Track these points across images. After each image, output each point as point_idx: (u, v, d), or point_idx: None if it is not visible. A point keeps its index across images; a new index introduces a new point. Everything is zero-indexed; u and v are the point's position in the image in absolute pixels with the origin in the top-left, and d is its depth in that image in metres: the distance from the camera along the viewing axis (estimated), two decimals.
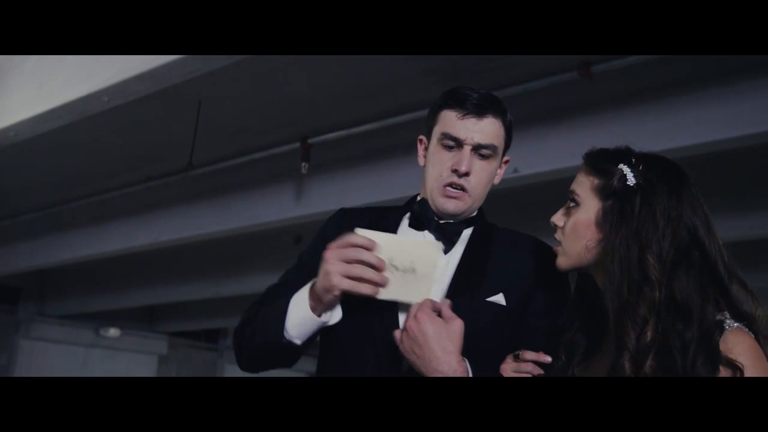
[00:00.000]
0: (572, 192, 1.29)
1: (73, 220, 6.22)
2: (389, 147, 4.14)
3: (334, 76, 3.73)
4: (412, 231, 1.43)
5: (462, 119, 1.35)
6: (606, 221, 1.23)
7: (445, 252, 1.39)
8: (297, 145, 4.29)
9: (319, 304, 1.27)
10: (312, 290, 1.28)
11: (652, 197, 1.21)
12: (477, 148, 1.36)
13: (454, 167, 1.35)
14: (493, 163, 1.39)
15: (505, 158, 1.45)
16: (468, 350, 1.24)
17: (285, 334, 1.29)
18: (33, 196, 5.93)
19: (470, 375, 1.20)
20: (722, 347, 1.12)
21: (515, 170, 3.70)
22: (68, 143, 4.66)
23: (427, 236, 1.41)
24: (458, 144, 1.36)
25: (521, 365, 1.30)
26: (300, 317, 1.28)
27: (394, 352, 1.28)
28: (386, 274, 1.23)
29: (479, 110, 1.35)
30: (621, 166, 1.25)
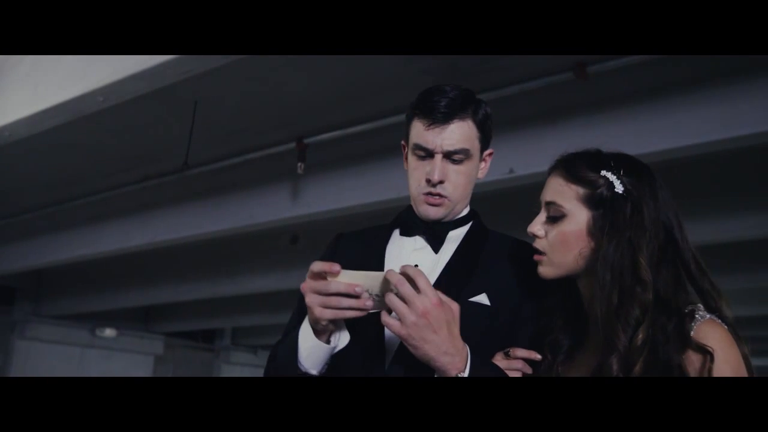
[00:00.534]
0: (554, 203, 1.28)
1: (69, 220, 6.21)
2: (385, 147, 4.14)
3: (330, 76, 3.73)
4: (404, 238, 1.45)
5: (429, 129, 1.36)
6: (598, 230, 1.24)
7: (436, 252, 1.41)
8: (293, 145, 4.29)
9: (320, 333, 1.28)
10: None
11: (639, 203, 1.23)
12: (448, 155, 1.37)
13: (427, 177, 1.37)
14: (469, 164, 1.39)
15: (488, 151, 1.45)
16: None
17: (300, 366, 1.30)
18: (29, 196, 5.92)
19: (469, 358, 1.21)
20: (695, 336, 1.15)
21: (511, 171, 3.71)
22: (64, 143, 4.65)
23: (417, 241, 1.43)
24: (429, 154, 1.37)
25: (512, 362, 1.31)
26: (308, 347, 1.28)
27: (379, 348, 1.30)
28: (367, 301, 1.22)
29: (445, 118, 1.35)
30: (604, 173, 1.26)
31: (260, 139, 4.47)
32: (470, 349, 1.21)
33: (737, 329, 1.21)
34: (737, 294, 6.24)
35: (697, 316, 1.18)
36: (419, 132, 1.38)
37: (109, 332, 9.76)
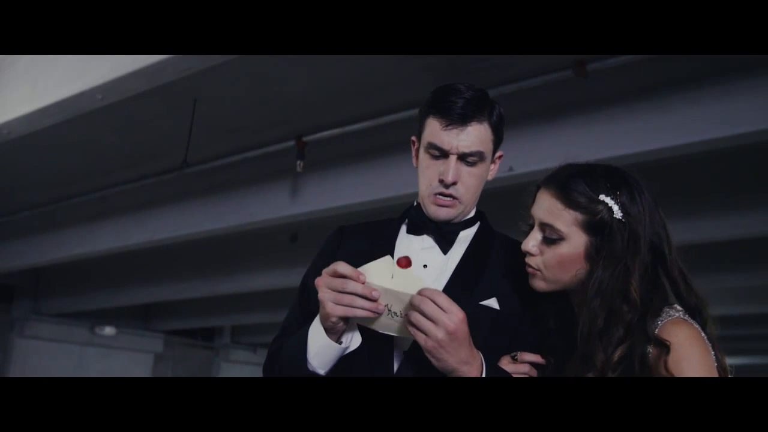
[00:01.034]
0: (551, 226, 1.28)
1: (67, 219, 6.21)
2: (385, 145, 4.14)
3: (329, 74, 3.72)
4: (411, 236, 1.43)
5: (445, 129, 1.35)
6: (596, 254, 1.26)
7: (444, 253, 1.41)
8: (292, 143, 4.29)
9: (329, 331, 1.27)
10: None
11: (636, 227, 1.25)
12: (462, 157, 1.36)
13: (441, 177, 1.36)
14: (481, 167, 1.39)
15: (498, 154, 1.45)
16: None
17: (308, 365, 1.29)
18: (27, 194, 5.92)
19: (484, 366, 1.22)
20: (660, 332, 1.18)
21: (510, 168, 3.71)
22: (62, 141, 4.65)
23: (425, 240, 1.42)
24: (443, 154, 1.36)
25: (518, 366, 1.32)
26: (319, 346, 1.27)
27: (388, 352, 1.30)
28: (380, 306, 1.22)
29: (463, 119, 1.34)
30: (602, 197, 1.26)
31: (259, 137, 4.46)
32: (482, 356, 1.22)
33: (718, 340, 1.23)
34: (737, 293, 6.25)
35: (663, 314, 1.21)
36: (435, 131, 1.36)
37: (109, 330, 9.76)
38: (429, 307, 1.17)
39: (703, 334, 1.20)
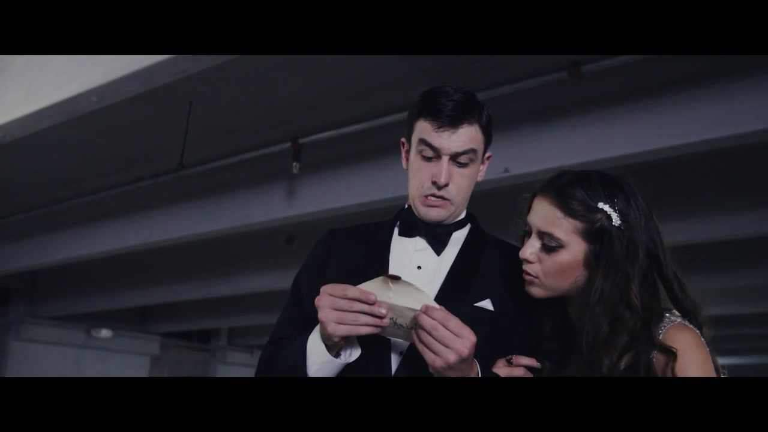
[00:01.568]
0: (550, 234, 1.28)
1: (63, 221, 6.20)
2: (380, 147, 4.15)
3: (325, 76, 3.73)
4: (404, 239, 1.43)
5: (437, 131, 1.35)
6: (595, 261, 1.27)
7: (438, 254, 1.41)
8: (288, 145, 4.29)
9: (331, 348, 1.26)
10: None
11: (634, 235, 1.26)
12: (455, 157, 1.36)
13: (433, 179, 1.36)
14: (472, 168, 1.40)
15: (488, 154, 1.46)
16: None
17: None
18: (23, 196, 5.91)
19: (479, 372, 1.23)
20: (664, 338, 1.20)
21: (506, 170, 3.71)
22: (58, 144, 4.64)
23: (418, 242, 1.42)
24: (436, 155, 1.36)
25: (513, 370, 1.32)
26: (319, 363, 1.26)
27: (385, 357, 1.30)
28: (384, 320, 1.21)
29: (454, 121, 1.35)
30: (601, 205, 1.27)
31: (255, 138, 4.46)
32: (475, 358, 1.22)
33: (711, 343, 1.25)
34: (736, 293, 6.26)
35: (665, 320, 1.23)
36: (427, 133, 1.36)
37: (105, 333, 9.74)
38: (440, 333, 1.17)
39: (702, 339, 1.22)
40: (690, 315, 1.27)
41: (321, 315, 1.21)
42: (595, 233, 1.27)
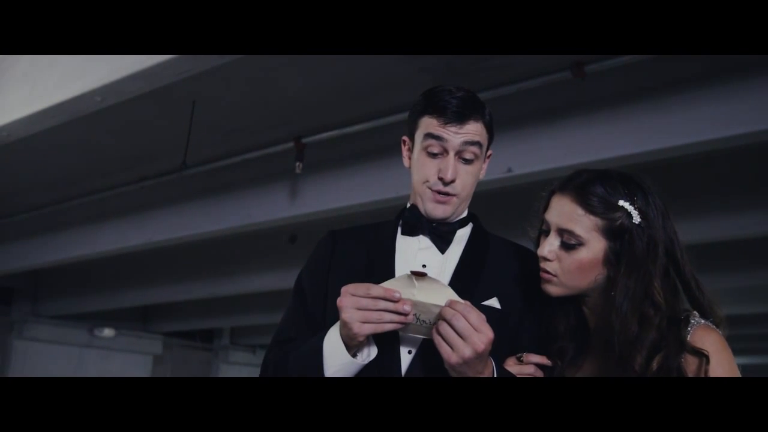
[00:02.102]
0: (571, 231, 1.28)
1: (67, 220, 6.21)
2: (383, 147, 4.14)
3: (328, 75, 3.73)
4: (408, 238, 1.44)
5: (444, 127, 1.36)
6: (615, 259, 1.27)
7: (442, 252, 1.41)
8: (291, 144, 4.29)
9: (351, 349, 1.25)
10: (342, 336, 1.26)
11: (653, 232, 1.27)
12: (461, 153, 1.37)
13: (440, 175, 1.36)
14: (477, 164, 1.40)
15: (489, 152, 1.46)
16: None
17: None
18: (26, 196, 5.92)
19: (495, 370, 1.24)
20: (691, 340, 1.21)
21: (509, 170, 3.71)
22: (61, 143, 4.65)
23: (422, 240, 1.42)
24: (442, 151, 1.37)
25: (523, 367, 1.33)
26: (339, 364, 1.26)
27: (395, 358, 1.30)
28: (409, 317, 1.21)
29: (460, 117, 1.36)
30: (621, 203, 1.27)
31: (258, 138, 4.47)
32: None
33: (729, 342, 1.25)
34: (736, 293, 6.25)
35: (692, 321, 1.23)
36: (433, 129, 1.37)
37: (108, 332, 9.75)
38: (460, 324, 1.17)
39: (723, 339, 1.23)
40: (707, 314, 1.27)
41: (345, 316, 1.21)
42: (616, 231, 1.27)
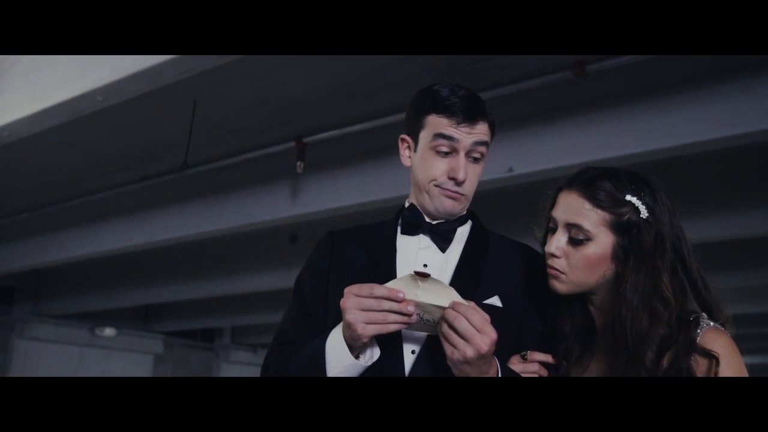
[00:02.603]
0: (579, 226, 1.28)
1: (68, 220, 6.21)
2: (384, 146, 4.14)
3: (329, 75, 3.73)
4: (407, 237, 1.43)
5: (456, 127, 1.35)
6: (623, 255, 1.27)
7: (442, 251, 1.41)
8: (292, 144, 4.29)
9: (354, 350, 1.25)
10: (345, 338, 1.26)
11: (661, 228, 1.27)
12: (470, 153, 1.37)
13: (451, 175, 1.36)
14: (482, 163, 1.41)
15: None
16: None
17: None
18: (28, 195, 5.92)
19: (499, 369, 1.23)
20: (701, 342, 1.21)
21: (510, 169, 3.71)
22: (63, 143, 4.65)
23: (422, 239, 1.42)
24: (452, 150, 1.36)
25: (528, 366, 1.33)
26: (343, 366, 1.25)
27: (398, 358, 1.30)
28: (413, 317, 1.21)
29: (471, 117, 1.36)
30: (629, 198, 1.28)
31: (259, 138, 4.47)
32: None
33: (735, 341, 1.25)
34: (736, 292, 6.24)
35: (702, 323, 1.23)
36: (443, 128, 1.36)
37: (109, 331, 9.76)
38: (462, 326, 1.16)
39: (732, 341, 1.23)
40: (714, 312, 1.27)
41: (349, 317, 1.20)
42: (624, 225, 1.27)
